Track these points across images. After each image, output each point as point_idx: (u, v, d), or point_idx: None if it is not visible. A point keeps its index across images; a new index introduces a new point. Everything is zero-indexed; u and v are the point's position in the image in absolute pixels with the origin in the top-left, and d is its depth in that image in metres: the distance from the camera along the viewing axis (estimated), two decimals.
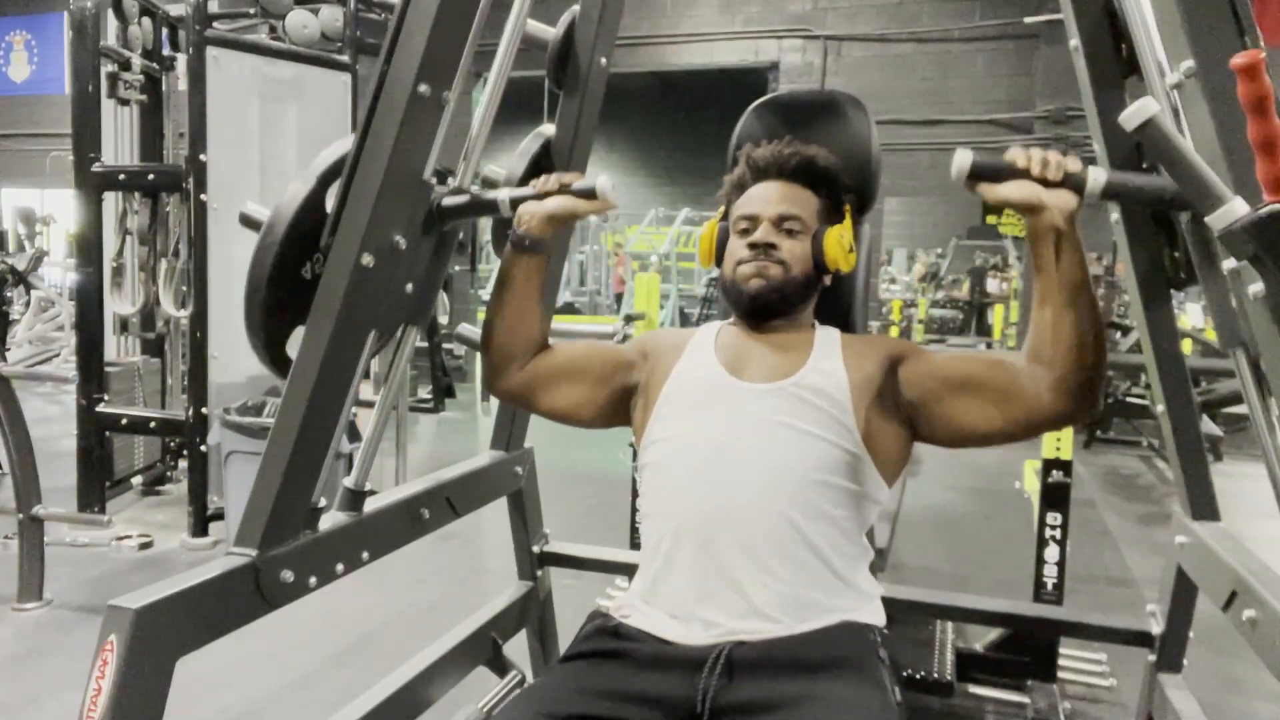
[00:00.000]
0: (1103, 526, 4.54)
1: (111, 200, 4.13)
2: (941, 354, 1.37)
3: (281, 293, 1.31)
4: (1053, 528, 2.67)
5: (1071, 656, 2.53)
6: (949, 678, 2.16)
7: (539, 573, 2.08)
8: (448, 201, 1.40)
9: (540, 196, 1.38)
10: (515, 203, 1.40)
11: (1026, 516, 4.01)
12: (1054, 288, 1.14)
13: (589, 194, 1.35)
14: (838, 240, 1.42)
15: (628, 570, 2.15)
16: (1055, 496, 2.66)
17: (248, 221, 1.38)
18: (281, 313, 1.33)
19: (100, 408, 3.90)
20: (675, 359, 1.44)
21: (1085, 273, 1.14)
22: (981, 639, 2.41)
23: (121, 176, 3.92)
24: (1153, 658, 1.74)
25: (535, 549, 2.06)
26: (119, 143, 4.31)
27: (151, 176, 3.98)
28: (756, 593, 1.24)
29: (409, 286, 1.39)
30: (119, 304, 4.23)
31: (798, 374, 1.35)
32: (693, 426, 1.36)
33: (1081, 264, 1.13)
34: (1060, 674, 2.41)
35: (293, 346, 1.32)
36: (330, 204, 1.32)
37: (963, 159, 1.10)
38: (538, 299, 1.47)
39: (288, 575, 1.25)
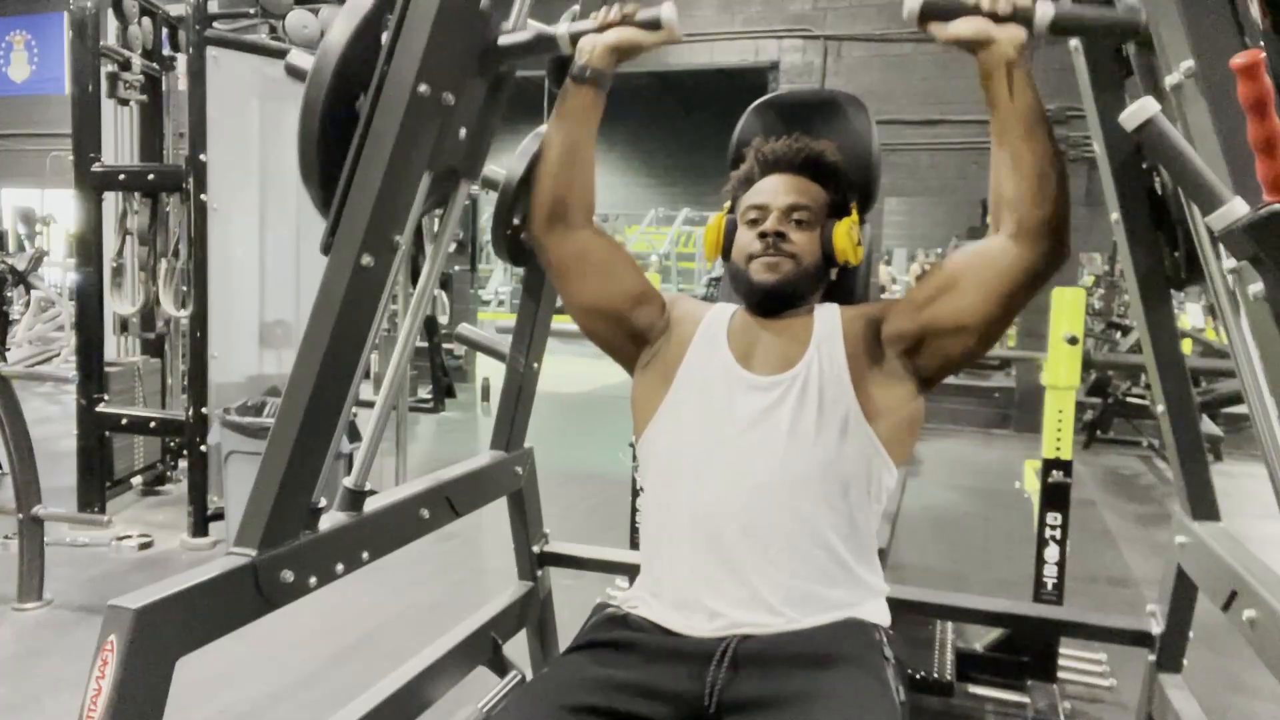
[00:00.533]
0: (1103, 526, 4.54)
1: (111, 200, 4.13)
2: (915, 287, 1.38)
3: (335, 128, 1.28)
4: (1052, 528, 2.66)
5: (1071, 656, 2.53)
6: (949, 678, 2.17)
7: (539, 573, 2.08)
8: (505, 39, 1.36)
9: (601, 29, 1.35)
10: (575, 37, 1.36)
11: (1026, 516, 4.01)
12: (1010, 122, 1.16)
13: (653, 24, 1.31)
14: (847, 233, 1.43)
15: (628, 570, 2.15)
16: (1055, 496, 2.66)
17: (293, 71, 1.34)
18: (336, 149, 1.29)
19: (100, 408, 3.90)
20: (690, 334, 1.44)
21: (1039, 106, 1.16)
22: (981, 639, 2.42)
23: (121, 176, 3.92)
24: (1153, 658, 1.74)
25: (535, 549, 2.07)
26: (119, 143, 4.32)
27: (151, 176, 3.98)
28: (762, 584, 1.24)
29: (462, 131, 1.36)
30: (119, 304, 4.23)
31: (800, 362, 1.35)
32: (699, 418, 1.36)
33: (1035, 97, 1.16)
34: (1060, 674, 2.41)
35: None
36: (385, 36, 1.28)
37: (913, 1, 1.13)
38: (593, 140, 1.44)
39: (288, 575, 1.25)
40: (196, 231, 3.63)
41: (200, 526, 3.74)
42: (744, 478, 1.29)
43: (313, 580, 1.30)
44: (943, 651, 2.26)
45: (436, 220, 2.00)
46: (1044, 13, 1.12)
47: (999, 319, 1.26)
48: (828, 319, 1.41)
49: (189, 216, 3.72)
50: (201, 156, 3.57)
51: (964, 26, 1.13)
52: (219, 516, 3.73)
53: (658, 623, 1.28)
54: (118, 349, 4.76)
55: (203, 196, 3.58)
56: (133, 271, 4.15)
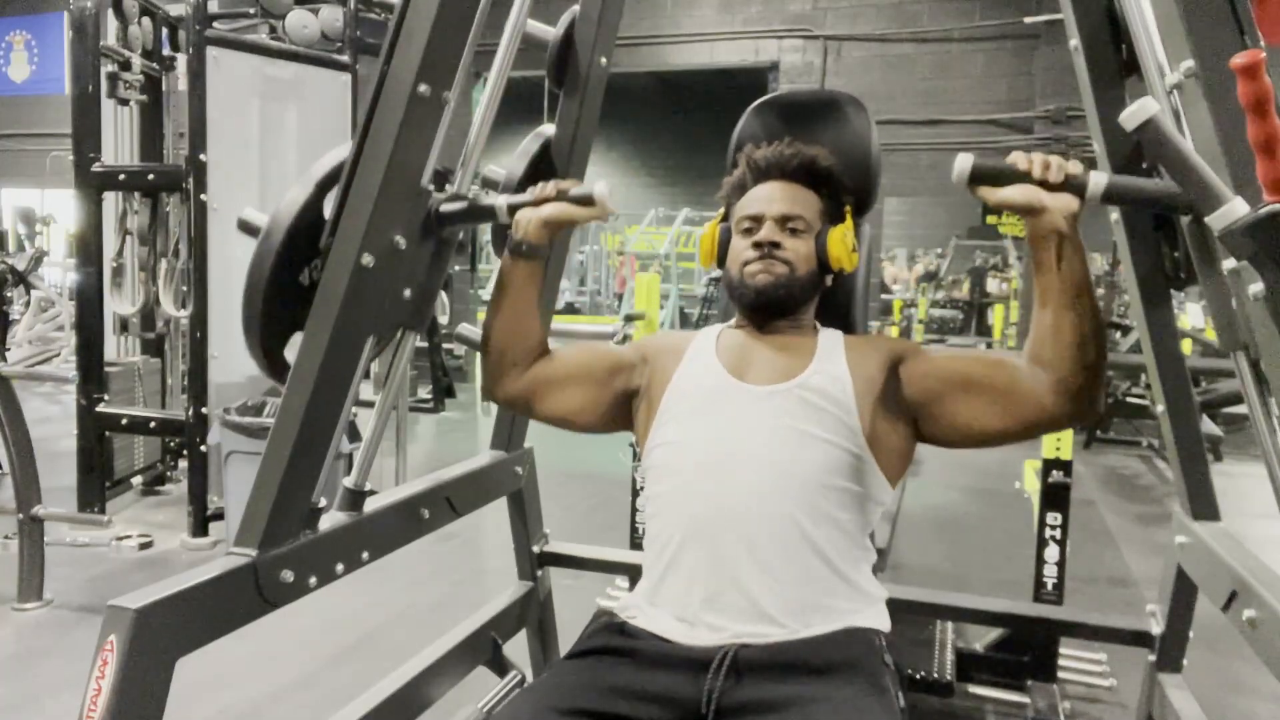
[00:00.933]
0: (1103, 526, 4.54)
1: (111, 200, 4.13)
2: (942, 353, 1.37)
3: (279, 298, 1.31)
4: (1053, 528, 2.67)
5: (1071, 656, 2.52)
6: (949, 678, 2.16)
7: (539, 573, 2.09)
8: (446, 207, 1.40)
9: (537, 203, 1.38)
10: (513, 209, 1.40)
11: (1026, 516, 4.01)
12: (1055, 289, 1.14)
13: (586, 200, 1.35)
14: (841, 239, 1.43)
15: (628, 570, 2.16)
16: (1055, 496, 2.66)
17: (246, 228, 1.37)
18: (279, 318, 1.32)
19: (100, 408, 3.90)
20: (676, 363, 1.44)
21: (1086, 274, 1.14)
22: (981, 639, 2.41)
23: (121, 176, 3.92)
24: (1153, 658, 1.74)
25: (535, 549, 2.07)
26: (119, 143, 4.32)
27: (151, 176, 3.98)
28: (761, 595, 1.24)
29: (407, 292, 1.39)
30: (119, 304, 4.23)
31: (801, 375, 1.35)
32: (697, 429, 1.36)
33: (1083, 265, 1.14)
34: (1060, 674, 2.40)
35: (290, 352, 1.32)
36: (329, 209, 1.32)
37: (963, 163, 1.11)
38: (536, 304, 1.47)
39: (288, 575, 1.25)
40: (196, 231, 3.63)
41: (200, 526, 3.74)
42: (740, 487, 1.28)
43: (313, 580, 1.31)
44: (943, 651, 2.26)
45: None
46: (1096, 183, 1.10)
47: (1008, 438, 1.27)
48: (831, 342, 1.42)
49: (189, 216, 3.72)
50: (201, 156, 3.57)
51: (1015, 194, 1.11)
52: (219, 516, 3.73)
53: (656, 632, 1.28)
54: (118, 349, 4.76)
55: (203, 196, 3.58)
56: (133, 271, 4.15)
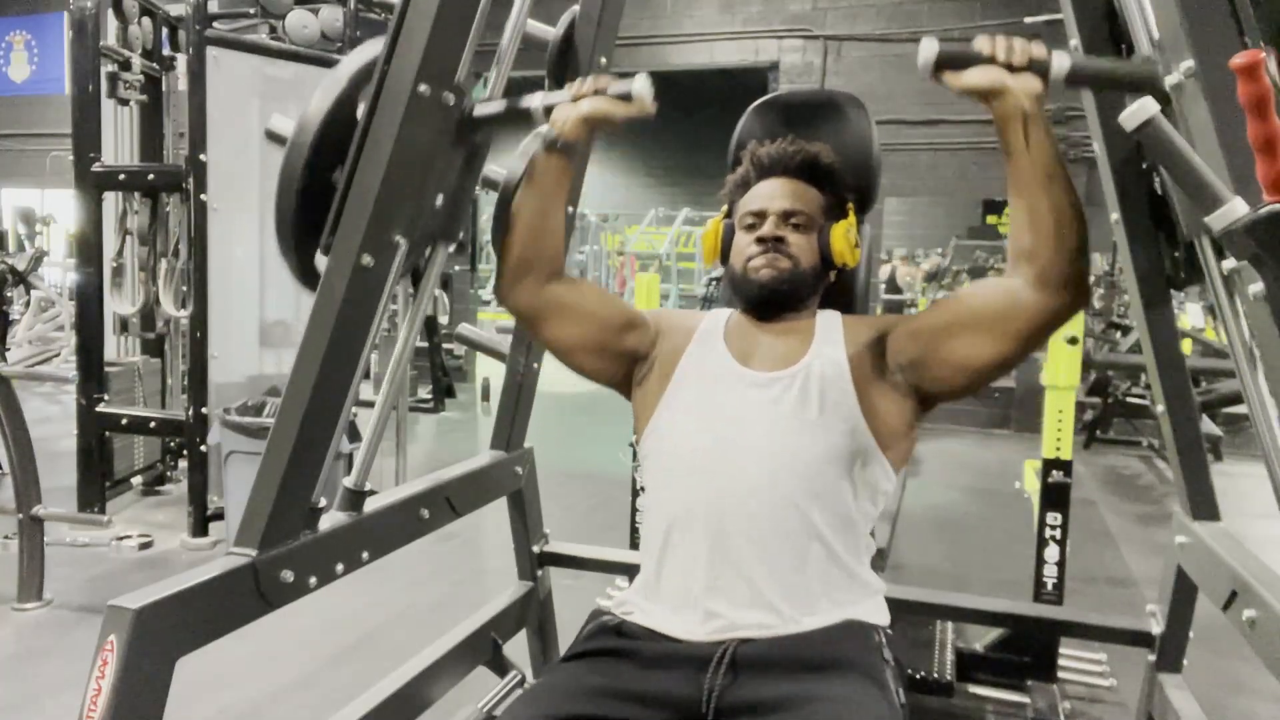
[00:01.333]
0: (1103, 526, 4.54)
1: (111, 200, 4.13)
2: (926, 311, 1.38)
3: (312, 200, 1.30)
4: (1053, 528, 2.67)
5: (1071, 656, 2.53)
6: (949, 678, 2.17)
7: (539, 573, 2.09)
8: (480, 110, 1.38)
9: (575, 100, 1.35)
10: (549, 109, 1.37)
11: (1026, 516, 4.01)
12: (1026, 173, 1.14)
13: (625, 97, 1.32)
14: (844, 235, 1.44)
15: (628, 570, 2.15)
16: (1055, 496, 2.66)
17: (273, 137, 1.35)
18: (312, 221, 1.30)
19: (100, 408, 3.90)
20: (685, 342, 1.44)
21: (1057, 155, 1.14)
22: (981, 639, 2.41)
23: (121, 176, 3.92)
24: (1153, 658, 1.74)
25: (535, 549, 2.07)
26: (119, 143, 4.32)
27: (151, 176, 3.98)
28: (762, 581, 1.24)
29: (439, 199, 1.37)
30: (119, 304, 4.23)
31: (802, 361, 1.35)
32: (699, 414, 1.36)
33: (1053, 147, 1.14)
34: (1060, 674, 2.41)
35: (321, 261, 1.30)
36: (361, 109, 1.30)
37: (928, 49, 1.11)
38: (562, 208, 1.44)
39: (288, 575, 1.25)
40: (196, 231, 3.63)
41: (200, 526, 3.74)
42: (743, 473, 1.29)
43: (313, 580, 1.30)
44: (943, 651, 2.26)
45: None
46: (1060, 64, 1.11)
47: (1010, 360, 1.25)
48: (829, 324, 1.42)
49: (189, 216, 3.72)
50: (201, 156, 3.57)
51: (978, 76, 1.11)
52: (219, 516, 3.73)
53: (654, 628, 1.28)
54: (117, 349, 4.76)
55: (203, 196, 3.58)
56: (133, 271, 4.15)
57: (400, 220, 1.31)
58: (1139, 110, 0.91)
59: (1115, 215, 1.52)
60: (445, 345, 7.70)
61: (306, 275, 1.34)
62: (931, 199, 11.56)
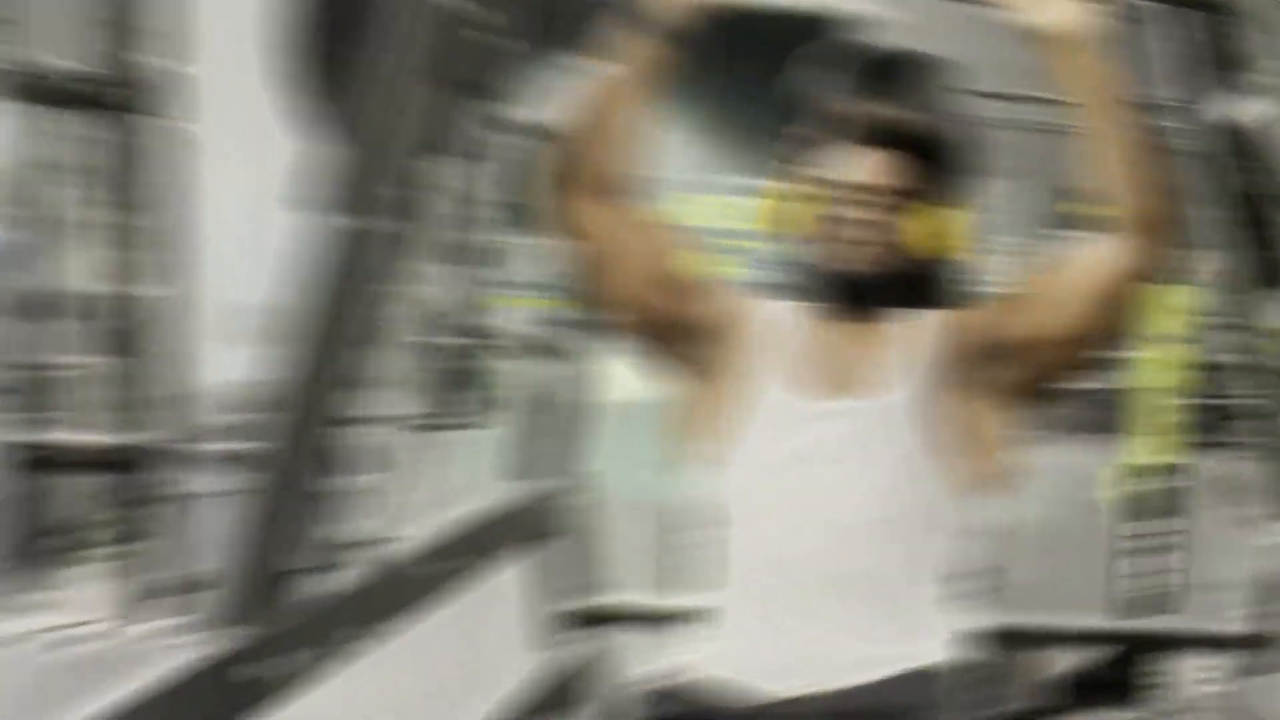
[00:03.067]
0: (1202, 530, 4.50)
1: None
2: (1033, 310, 1.25)
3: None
4: (1150, 536, 2.74)
5: (1176, 666, 2.50)
6: (1054, 703, 2.24)
7: (586, 635, 1.84)
8: None
9: None
10: None
11: (1119, 527, 3.96)
12: (1085, 104, 1.13)
13: None
14: (952, 224, 1.33)
15: (695, 622, 1.96)
16: (1159, 502, 2.76)
17: None
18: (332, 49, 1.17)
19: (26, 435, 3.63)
20: (754, 341, 1.32)
21: (1115, 80, 1.13)
22: (1086, 659, 2.42)
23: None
24: (1255, 659, 1.81)
25: (580, 605, 1.83)
26: None
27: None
28: (834, 633, 1.20)
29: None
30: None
31: (887, 384, 1.27)
32: (765, 447, 1.26)
33: (1106, 74, 1.13)
34: (1167, 683, 2.42)
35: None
36: None
37: None
38: (640, 108, 1.30)
39: (269, 667, 1.06)
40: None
41: (148, 603, 3.42)
42: (818, 516, 1.22)
43: (298, 670, 1.12)
44: (1048, 676, 2.33)
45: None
46: None
47: (1104, 326, 1.21)
48: (918, 329, 1.31)
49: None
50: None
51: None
52: (181, 588, 3.42)
53: (720, 689, 1.21)
54: None
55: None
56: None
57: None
58: (1260, 112, 0.77)
59: (1214, 214, 1.51)
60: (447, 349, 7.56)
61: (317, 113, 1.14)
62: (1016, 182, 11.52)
